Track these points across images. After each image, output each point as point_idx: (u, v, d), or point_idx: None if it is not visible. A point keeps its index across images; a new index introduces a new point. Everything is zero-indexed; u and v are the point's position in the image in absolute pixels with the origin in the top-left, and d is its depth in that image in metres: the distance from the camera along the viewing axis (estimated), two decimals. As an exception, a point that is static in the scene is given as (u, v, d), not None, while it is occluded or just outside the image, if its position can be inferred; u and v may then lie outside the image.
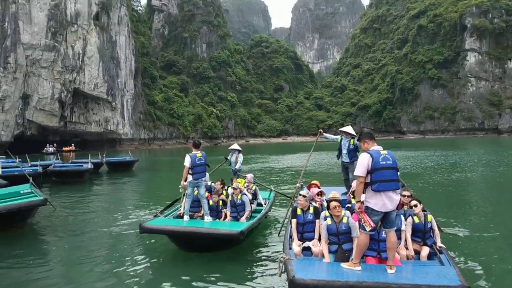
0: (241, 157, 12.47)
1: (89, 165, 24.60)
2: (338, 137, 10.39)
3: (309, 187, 8.11)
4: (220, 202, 9.30)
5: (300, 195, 6.83)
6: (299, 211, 6.72)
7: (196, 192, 9.09)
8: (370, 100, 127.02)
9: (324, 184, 10.54)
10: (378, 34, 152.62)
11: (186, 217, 8.76)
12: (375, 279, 4.63)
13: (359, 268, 4.98)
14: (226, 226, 8.10)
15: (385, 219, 5.04)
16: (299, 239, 6.53)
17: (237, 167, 12.31)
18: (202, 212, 9.14)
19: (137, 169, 30.61)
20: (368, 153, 5.01)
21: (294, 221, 6.62)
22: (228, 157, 12.67)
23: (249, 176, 10.78)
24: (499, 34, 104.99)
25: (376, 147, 5.16)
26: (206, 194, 9.33)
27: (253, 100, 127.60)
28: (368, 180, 4.95)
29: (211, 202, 9.31)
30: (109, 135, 76.88)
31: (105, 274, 7.59)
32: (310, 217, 6.66)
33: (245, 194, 9.14)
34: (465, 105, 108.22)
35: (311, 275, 4.80)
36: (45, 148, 59.58)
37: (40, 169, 21.66)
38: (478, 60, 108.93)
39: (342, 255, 5.68)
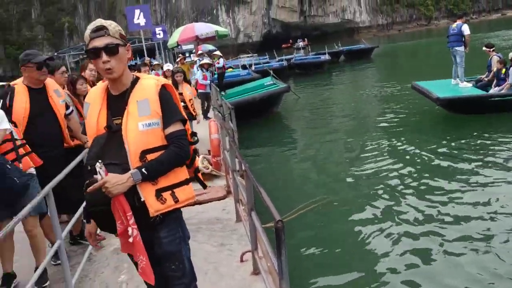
0: None
1: (327, 56, 25.46)
2: None
3: None
4: None
5: None
6: None
7: None
8: None
9: None
10: None
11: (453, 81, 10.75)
12: None
13: None
14: None
15: None
16: None
17: None
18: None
19: (375, 56, 30.08)
20: None
21: None
22: None
23: None
24: None
25: None
26: None
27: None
28: None
29: None
30: (346, 24, 76.58)
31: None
32: None
33: None
34: None
35: None
36: (296, 44, 62.32)
37: (285, 63, 23.82)
38: None
39: None
